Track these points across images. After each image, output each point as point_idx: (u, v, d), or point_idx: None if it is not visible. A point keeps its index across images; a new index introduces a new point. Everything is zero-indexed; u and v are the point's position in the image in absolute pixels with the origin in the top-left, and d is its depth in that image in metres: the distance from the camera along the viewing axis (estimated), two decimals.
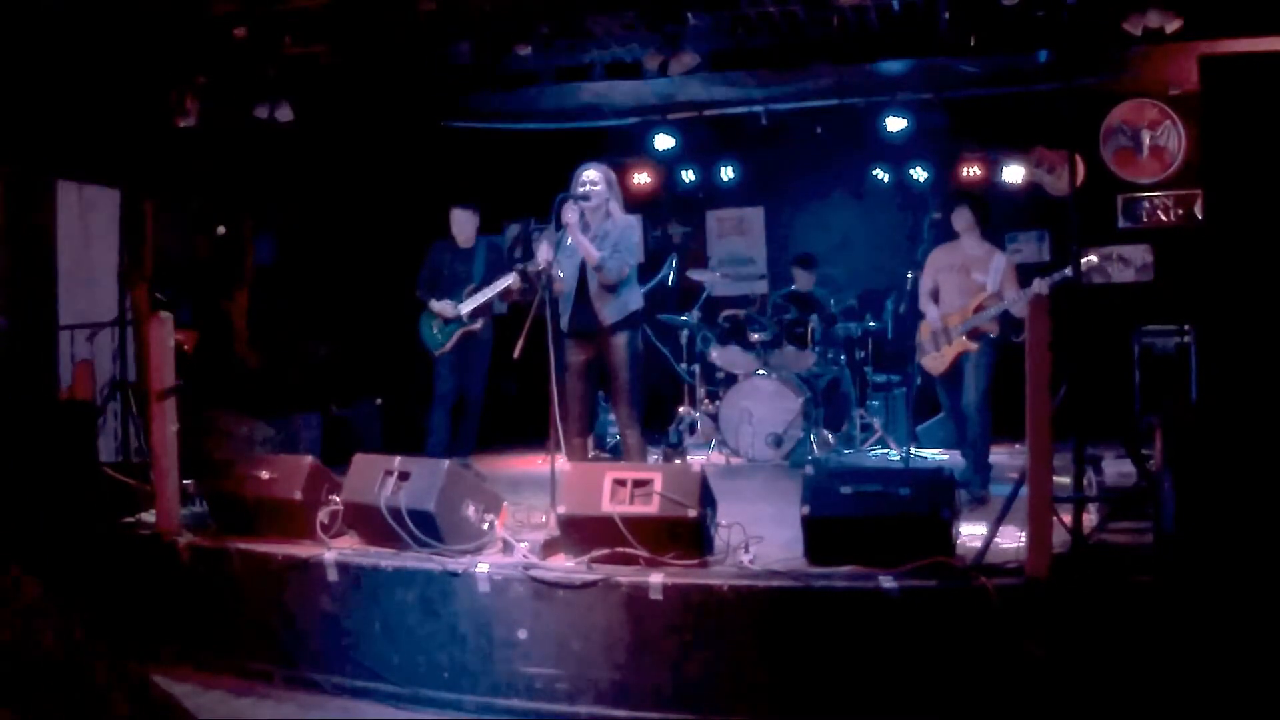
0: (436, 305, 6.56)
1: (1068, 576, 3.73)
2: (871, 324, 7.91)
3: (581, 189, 5.09)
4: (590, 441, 6.29)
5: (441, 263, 6.71)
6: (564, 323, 5.19)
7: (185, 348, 7.35)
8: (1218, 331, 3.63)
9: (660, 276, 7.81)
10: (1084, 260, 5.35)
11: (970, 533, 4.11)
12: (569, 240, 5.05)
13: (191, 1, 6.08)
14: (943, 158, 8.61)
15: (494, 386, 7.01)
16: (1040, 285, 5.44)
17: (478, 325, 6.56)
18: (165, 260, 7.62)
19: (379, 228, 8.81)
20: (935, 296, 6.06)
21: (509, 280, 6.37)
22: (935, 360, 5.98)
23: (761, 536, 4.30)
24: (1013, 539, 4.05)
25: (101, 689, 2.46)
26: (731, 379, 7.49)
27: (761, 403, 7.17)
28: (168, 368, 4.89)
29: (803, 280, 8.12)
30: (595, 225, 5.16)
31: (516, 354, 4.58)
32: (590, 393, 5.47)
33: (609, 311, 5.16)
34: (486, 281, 6.52)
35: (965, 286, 5.89)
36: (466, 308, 6.47)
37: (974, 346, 5.79)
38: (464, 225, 6.72)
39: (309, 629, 4.37)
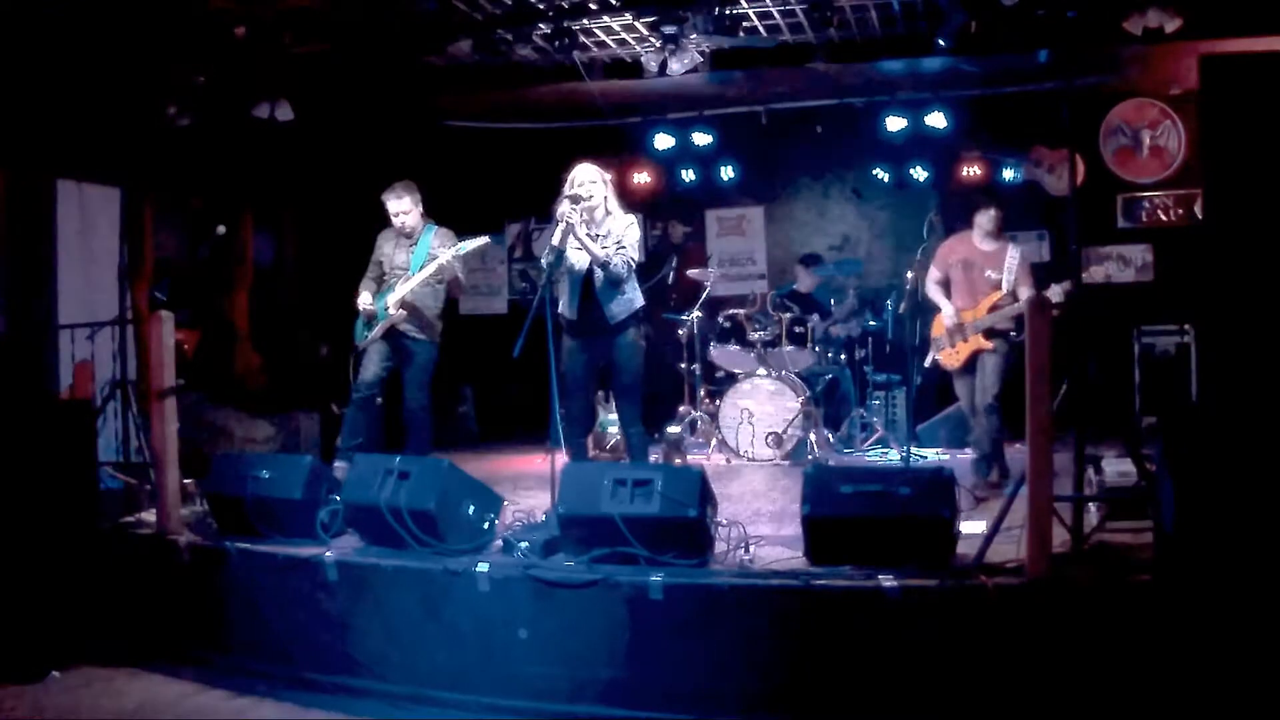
0: (360, 297, 5.97)
1: (1068, 576, 3.74)
2: (871, 323, 7.91)
3: (580, 189, 5.09)
4: (590, 441, 6.29)
5: (385, 253, 6.09)
6: (567, 321, 5.18)
7: (185, 348, 7.35)
8: (1218, 331, 3.62)
9: (660, 276, 7.81)
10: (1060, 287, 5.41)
11: (970, 532, 4.11)
12: (572, 239, 5.04)
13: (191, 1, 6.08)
14: (943, 158, 8.61)
15: (494, 389, 6.92)
16: (1055, 292, 5.44)
17: (400, 316, 5.83)
18: (165, 260, 7.63)
19: (379, 227, 8.80)
20: (945, 287, 6.06)
21: (443, 259, 5.77)
22: (951, 356, 6.01)
23: (761, 536, 4.30)
24: (1012, 539, 4.05)
25: None
26: (731, 378, 7.49)
27: (761, 403, 7.17)
28: (168, 368, 4.89)
29: (804, 280, 8.13)
30: (596, 223, 5.15)
31: (516, 353, 4.58)
32: (591, 391, 5.47)
33: (616, 308, 5.16)
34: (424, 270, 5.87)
35: (978, 283, 5.90)
36: (394, 298, 5.83)
37: (989, 345, 5.81)
38: (400, 211, 5.95)
39: (309, 629, 4.37)
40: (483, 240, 5.83)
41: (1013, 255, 5.87)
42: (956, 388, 6.13)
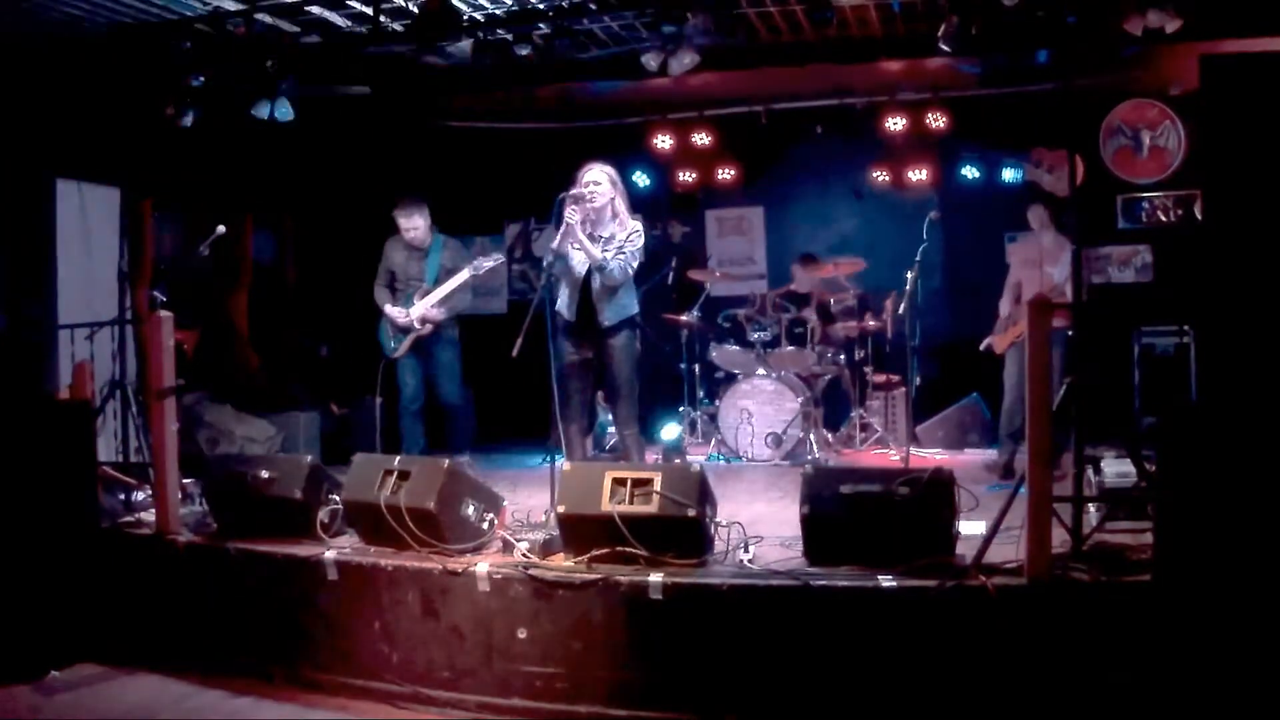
0: (390, 311, 6.29)
1: (1067, 576, 3.73)
2: (871, 323, 7.91)
3: (585, 189, 5.08)
4: (590, 441, 6.30)
5: (396, 263, 6.44)
6: (564, 322, 5.19)
7: (185, 348, 7.35)
8: (1218, 331, 3.62)
9: (660, 276, 7.81)
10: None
11: (970, 533, 4.11)
12: (572, 240, 5.03)
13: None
14: (943, 158, 8.61)
15: (494, 388, 7.00)
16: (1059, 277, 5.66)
17: (427, 330, 6.24)
18: (165, 260, 7.62)
19: (379, 227, 8.80)
20: (1017, 289, 6.34)
21: (463, 277, 6.15)
22: (999, 340, 6.33)
23: (761, 536, 4.31)
24: (1012, 539, 4.04)
25: None
26: (731, 378, 7.49)
27: (761, 403, 7.17)
28: (168, 368, 4.89)
29: (803, 280, 8.12)
30: (598, 226, 5.15)
31: (515, 352, 4.58)
32: (589, 392, 5.47)
33: (609, 313, 5.17)
34: (439, 282, 6.29)
35: (1039, 279, 6.16)
36: (417, 312, 6.22)
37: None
38: (412, 230, 6.37)
39: (309, 629, 4.37)
40: (499, 259, 6.16)
41: (1069, 252, 6.01)
42: (1004, 371, 6.38)
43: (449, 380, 6.42)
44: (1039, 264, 6.14)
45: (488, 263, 6.13)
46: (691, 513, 3.96)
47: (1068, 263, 5.96)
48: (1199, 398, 3.74)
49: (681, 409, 7.87)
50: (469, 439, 6.62)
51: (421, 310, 6.19)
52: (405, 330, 6.26)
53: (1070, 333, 5.80)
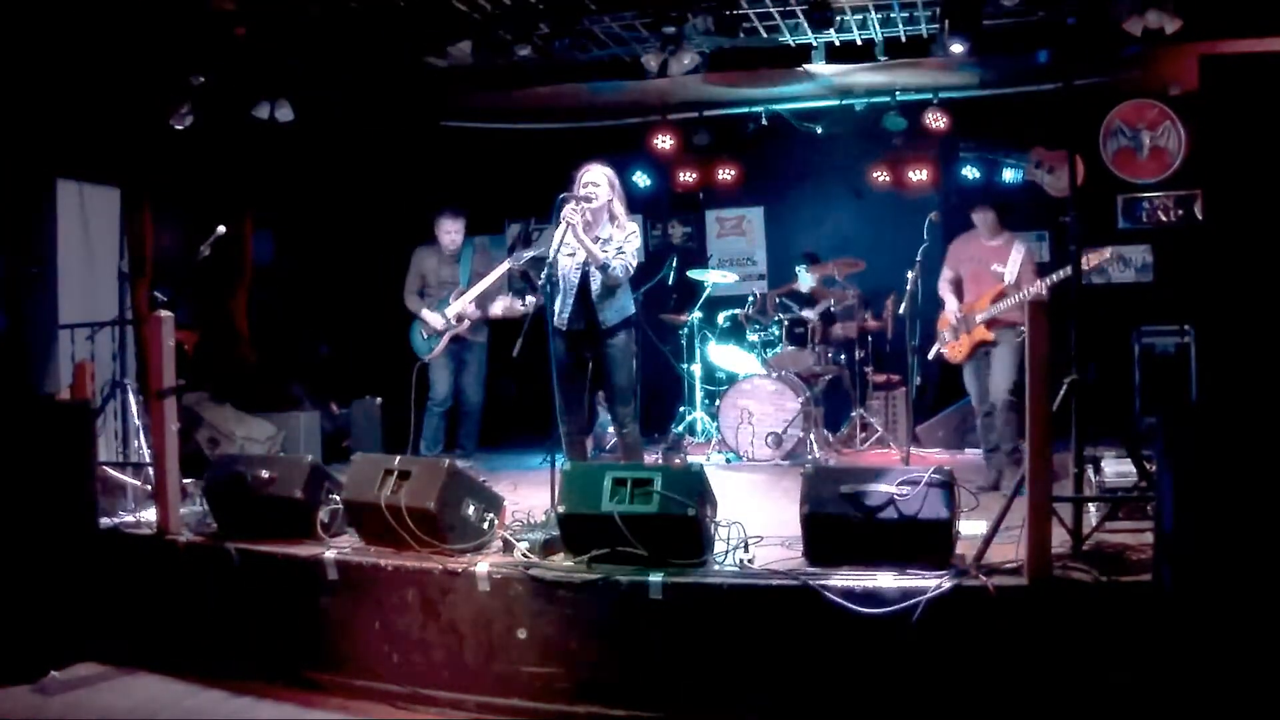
0: (427, 315, 6.64)
1: (1067, 576, 3.73)
2: (871, 323, 7.91)
3: (584, 189, 5.08)
4: (590, 441, 6.32)
5: (428, 269, 6.79)
6: (562, 322, 5.18)
7: (185, 348, 7.35)
8: (1218, 331, 3.62)
9: (660, 276, 7.82)
10: (1095, 256, 5.50)
11: (970, 533, 4.11)
12: (569, 240, 5.03)
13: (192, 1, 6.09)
14: (943, 158, 8.61)
15: (493, 388, 7.06)
16: (1040, 285, 5.55)
17: (464, 326, 6.61)
18: (165, 260, 7.62)
19: (379, 227, 8.82)
20: (957, 286, 6.17)
21: (504, 268, 6.46)
22: (955, 349, 6.12)
23: (761, 536, 4.30)
24: (1012, 539, 4.05)
25: None
26: (732, 379, 7.49)
27: (761, 403, 7.17)
28: (168, 368, 4.89)
29: (804, 280, 8.13)
30: (597, 227, 5.15)
31: (515, 353, 4.58)
32: (589, 392, 5.48)
33: (608, 313, 5.17)
34: (473, 283, 6.66)
35: (985, 278, 6.01)
36: (454, 311, 6.55)
37: (990, 336, 5.90)
38: (454, 232, 6.81)
39: (309, 629, 4.37)
40: (540, 250, 6.31)
41: (1018, 250, 5.99)
42: (965, 381, 6.21)
43: (475, 383, 6.77)
44: (984, 261, 6.03)
45: (527, 253, 6.34)
46: (691, 513, 3.95)
47: (1017, 263, 5.92)
48: (1199, 398, 3.74)
49: (681, 409, 7.87)
50: (477, 437, 6.87)
51: (459, 307, 6.51)
52: (442, 332, 6.56)
53: (1021, 328, 5.77)
